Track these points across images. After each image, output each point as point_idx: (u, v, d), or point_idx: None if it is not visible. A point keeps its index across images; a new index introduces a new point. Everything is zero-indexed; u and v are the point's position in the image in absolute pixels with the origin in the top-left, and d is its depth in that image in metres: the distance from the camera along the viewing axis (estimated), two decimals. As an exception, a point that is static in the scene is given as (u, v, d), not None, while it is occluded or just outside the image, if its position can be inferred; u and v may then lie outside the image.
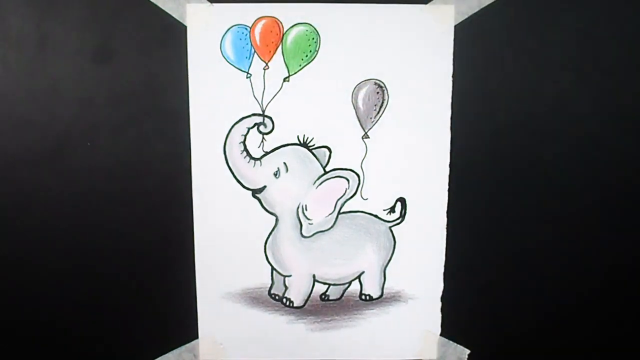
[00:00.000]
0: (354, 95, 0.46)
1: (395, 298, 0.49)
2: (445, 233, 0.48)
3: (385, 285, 0.49)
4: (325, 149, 0.47)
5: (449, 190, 0.47)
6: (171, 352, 0.49)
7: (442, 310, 0.49)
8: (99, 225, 0.47)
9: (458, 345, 0.50)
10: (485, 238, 0.48)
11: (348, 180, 0.47)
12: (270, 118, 0.46)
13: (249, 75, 0.45)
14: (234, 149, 0.46)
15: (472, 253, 0.48)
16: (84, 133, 0.46)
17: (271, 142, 0.47)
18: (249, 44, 0.45)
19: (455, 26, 0.45)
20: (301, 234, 0.48)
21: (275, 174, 0.47)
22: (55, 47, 0.45)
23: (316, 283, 0.49)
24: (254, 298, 0.49)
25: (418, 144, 0.47)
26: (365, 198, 0.47)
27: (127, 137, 0.46)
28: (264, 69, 0.45)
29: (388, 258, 0.48)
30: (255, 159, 0.47)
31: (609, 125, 0.47)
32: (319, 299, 0.49)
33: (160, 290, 0.48)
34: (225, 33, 0.45)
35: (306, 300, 0.49)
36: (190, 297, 0.48)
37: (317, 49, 0.45)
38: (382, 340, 0.49)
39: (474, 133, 0.47)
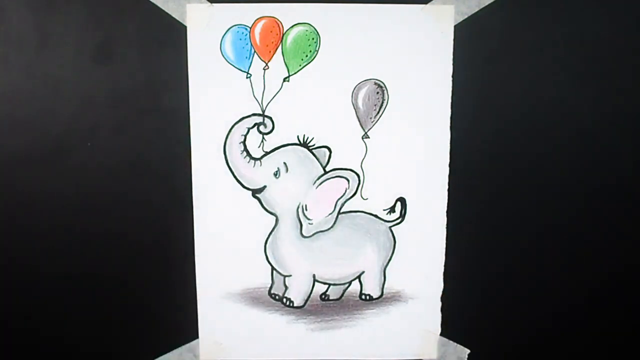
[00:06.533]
0: (354, 95, 0.46)
1: (395, 298, 0.49)
2: (445, 233, 0.48)
3: (385, 285, 0.49)
4: (325, 149, 0.47)
5: (448, 190, 0.47)
6: (171, 352, 0.49)
7: (442, 310, 0.49)
8: (99, 225, 0.47)
9: (458, 345, 0.50)
10: (485, 238, 0.48)
11: (348, 180, 0.47)
12: (270, 118, 0.46)
13: (249, 75, 0.45)
14: (234, 149, 0.46)
15: (472, 253, 0.48)
16: (84, 133, 0.46)
17: (271, 142, 0.47)
18: (249, 44, 0.45)
19: (455, 26, 0.45)
20: (301, 234, 0.48)
21: (275, 174, 0.47)
22: (55, 47, 0.45)
23: (316, 283, 0.49)
24: (254, 298, 0.49)
25: (418, 144, 0.47)
26: (365, 198, 0.47)
27: (127, 137, 0.46)
28: (264, 69, 0.45)
29: (388, 258, 0.48)
30: (255, 159, 0.47)
31: (609, 125, 0.47)
32: (319, 299, 0.49)
33: (160, 290, 0.48)
34: (225, 33, 0.45)
35: (306, 300, 0.49)
36: (190, 297, 0.48)
37: (317, 49, 0.45)
38: (382, 340, 0.49)
39: (474, 133, 0.47)
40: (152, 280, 0.48)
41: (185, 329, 0.49)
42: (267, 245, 0.48)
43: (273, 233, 0.48)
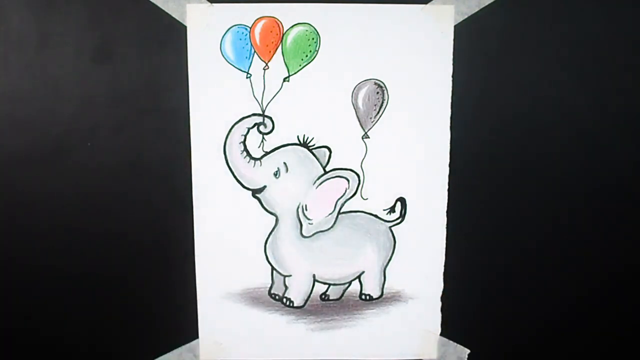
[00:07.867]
0: (354, 95, 0.46)
1: (395, 298, 0.49)
2: (445, 233, 0.48)
3: (385, 285, 0.49)
4: (325, 149, 0.47)
5: (448, 190, 0.47)
6: (171, 352, 0.49)
7: (442, 310, 0.49)
8: (99, 225, 0.47)
9: (458, 345, 0.50)
10: (485, 238, 0.48)
11: (348, 180, 0.47)
12: (270, 118, 0.46)
13: (249, 75, 0.45)
14: (234, 149, 0.46)
15: (472, 253, 0.48)
16: (84, 133, 0.46)
17: (271, 142, 0.47)
18: (249, 44, 0.45)
19: (455, 26, 0.45)
20: (301, 234, 0.48)
21: (275, 174, 0.47)
22: (55, 47, 0.45)
23: (316, 283, 0.49)
24: (254, 298, 0.49)
25: (418, 144, 0.47)
26: (365, 198, 0.47)
27: (127, 137, 0.46)
28: (264, 69, 0.45)
29: (388, 258, 0.48)
30: (255, 159, 0.47)
31: (609, 125, 0.47)
32: (319, 299, 0.49)
33: (160, 290, 0.48)
34: (225, 33, 0.45)
35: (306, 300, 0.49)
36: (190, 297, 0.48)
37: (317, 49, 0.45)
38: (382, 340, 0.49)
39: (474, 133, 0.47)
40: (152, 280, 0.48)
41: (185, 329, 0.49)
42: (267, 245, 0.48)
43: (273, 233, 0.48)
